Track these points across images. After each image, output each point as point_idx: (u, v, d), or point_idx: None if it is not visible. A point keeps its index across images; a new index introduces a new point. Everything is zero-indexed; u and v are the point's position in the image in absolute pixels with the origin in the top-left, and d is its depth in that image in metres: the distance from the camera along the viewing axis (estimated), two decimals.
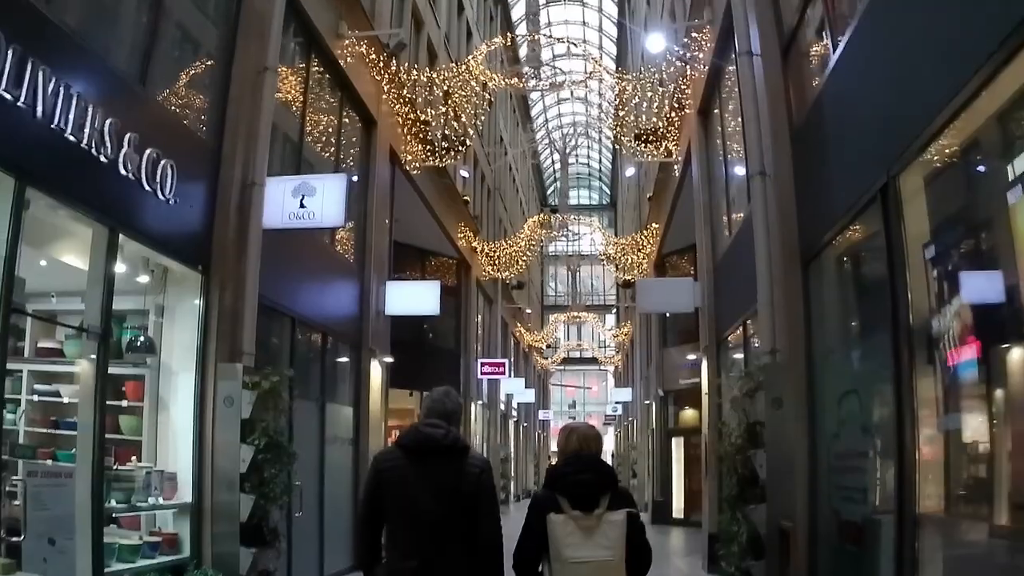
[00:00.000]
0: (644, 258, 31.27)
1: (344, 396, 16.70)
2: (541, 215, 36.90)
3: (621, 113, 21.78)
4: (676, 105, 19.50)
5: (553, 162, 75.13)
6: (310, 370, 15.11)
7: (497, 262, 32.34)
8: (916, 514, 6.69)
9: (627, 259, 32.29)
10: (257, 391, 10.22)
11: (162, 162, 9.28)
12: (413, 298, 18.71)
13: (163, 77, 10.44)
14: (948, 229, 6.65)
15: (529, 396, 45.17)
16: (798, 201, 10.35)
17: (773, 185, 10.60)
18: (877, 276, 7.98)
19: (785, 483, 9.29)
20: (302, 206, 11.46)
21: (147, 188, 9.07)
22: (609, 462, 5.83)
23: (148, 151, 8.98)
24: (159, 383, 10.29)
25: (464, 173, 25.56)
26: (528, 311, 52.94)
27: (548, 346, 59.91)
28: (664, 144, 21.04)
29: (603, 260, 71.79)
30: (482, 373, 31.74)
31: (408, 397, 27.11)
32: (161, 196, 9.35)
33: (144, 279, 10.22)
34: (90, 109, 7.93)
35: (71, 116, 7.66)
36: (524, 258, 33.53)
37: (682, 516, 28.35)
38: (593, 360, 68.77)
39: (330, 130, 16.27)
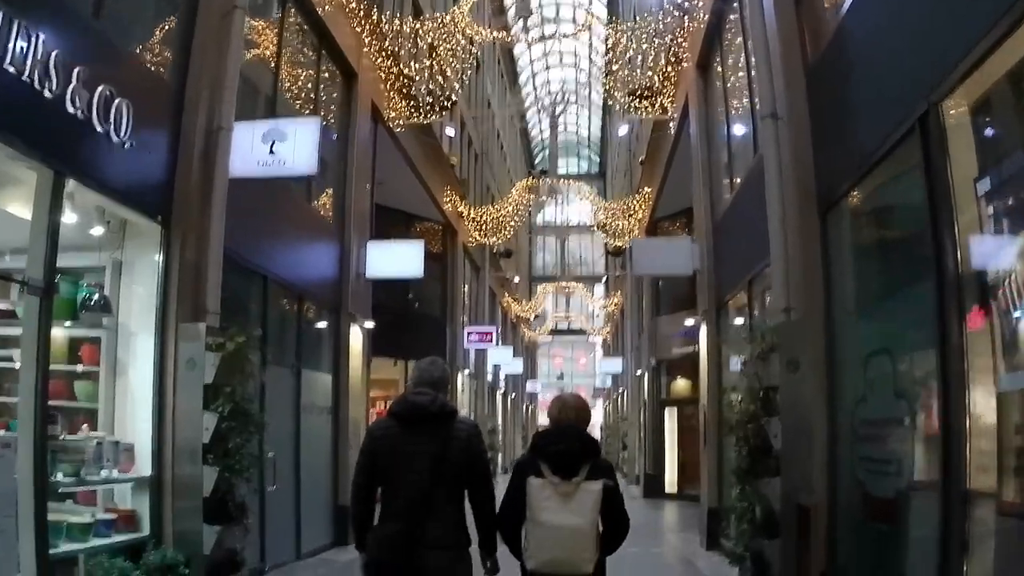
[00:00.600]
0: (635, 224, 30.44)
1: (322, 363, 15.83)
2: (529, 179, 35.92)
3: (614, 67, 20.84)
4: (672, 59, 18.59)
5: (541, 129, 74.13)
6: (285, 334, 14.23)
7: (484, 227, 31.42)
8: (966, 489, 5.81)
9: (617, 225, 31.43)
10: (221, 353, 9.31)
11: (116, 101, 8.32)
12: (396, 260, 17.76)
13: (120, 11, 9.52)
14: (1005, 159, 5.72)
15: (517, 367, 44.35)
16: (815, 145, 9.44)
17: (786, 128, 9.68)
18: (913, 220, 7.14)
19: (802, 454, 8.43)
20: (272, 152, 10.55)
21: (99, 129, 8.11)
22: (597, 434, 6.00)
23: (100, 88, 8.02)
24: (117, 345, 9.42)
25: (450, 132, 24.55)
26: (516, 279, 52.10)
27: (536, 317, 59.22)
28: (659, 101, 20.17)
29: (592, 229, 71.10)
30: (469, 342, 30.88)
31: (392, 367, 26.30)
32: (115, 138, 8.40)
33: (99, 231, 9.24)
34: (33, 39, 7.01)
35: (11, 45, 6.76)
36: (512, 223, 32.58)
37: (675, 490, 27.58)
38: (581, 332, 68.39)
39: (308, 84, 15.33)
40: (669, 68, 18.80)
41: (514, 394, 51.43)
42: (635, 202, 29.39)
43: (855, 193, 8.58)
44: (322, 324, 16.13)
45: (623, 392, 43.99)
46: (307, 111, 15.10)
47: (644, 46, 19.22)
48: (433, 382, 5.40)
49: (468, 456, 5.21)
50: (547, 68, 67.08)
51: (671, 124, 20.84)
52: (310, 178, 14.32)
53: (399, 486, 5.14)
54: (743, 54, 13.90)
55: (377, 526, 5.21)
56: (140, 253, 9.66)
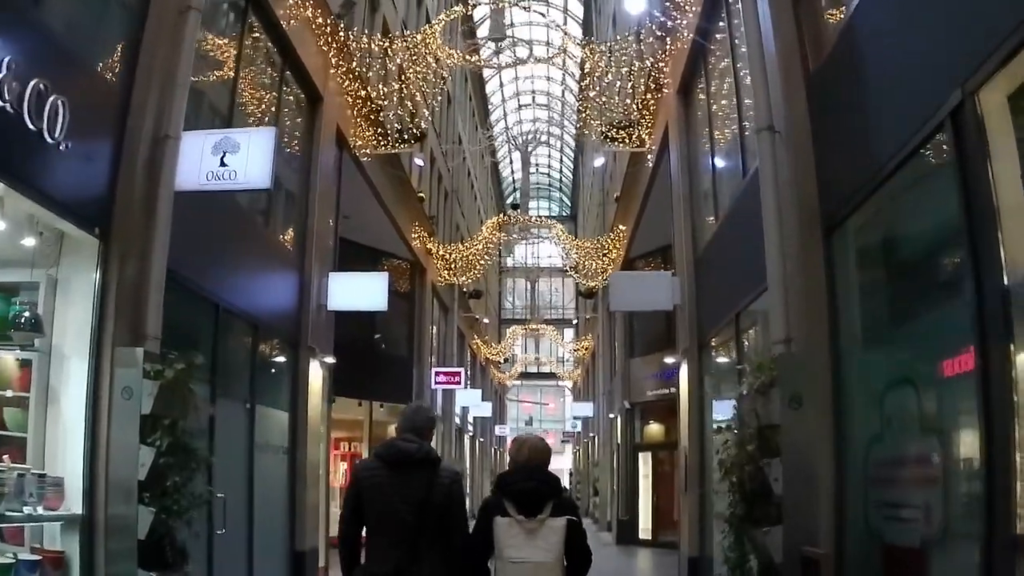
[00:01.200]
0: (609, 264, 29.74)
1: (278, 399, 14.81)
2: (500, 216, 35.11)
3: (591, 93, 20.13)
4: (652, 85, 17.89)
5: (513, 169, 73.40)
6: (238, 367, 13.23)
7: (453, 266, 30.58)
8: (1014, 535, 4.93)
9: (590, 265, 30.69)
10: (160, 381, 8.38)
11: (52, 97, 7.38)
12: (359, 292, 16.83)
13: (63, 4, 8.77)
14: None
15: (486, 410, 43.34)
16: (817, 159, 8.62)
17: (784, 142, 8.90)
18: (940, 231, 6.34)
19: (807, 500, 7.56)
20: (223, 164, 9.61)
21: (31, 127, 7.17)
22: (566, 480, 6.08)
23: (34, 82, 7.10)
24: (49, 370, 8.45)
25: (419, 162, 23.63)
26: (485, 320, 51.17)
27: (505, 360, 58.32)
28: (636, 132, 19.49)
29: (563, 271, 70.45)
30: (436, 383, 29.88)
31: (357, 407, 25.38)
32: (50, 139, 7.45)
33: (30, 242, 8.37)
34: None
35: None
36: (482, 262, 31.75)
37: (650, 537, 26.61)
38: (552, 375, 67.45)
39: (270, 106, 14.52)
40: (648, 96, 18.11)
41: (483, 439, 50.41)
42: (609, 241, 28.64)
43: (864, 208, 7.75)
44: (279, 358, 15.19)
45: (594, 437, 43.15)
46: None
47: (624, 70, 18.48)
48: (417, 429, 5.74)
49: (449, 500, 5.51)
50: (519, 107, 66.59)
51: (649, 157, 20.13)
52: (268, 198, 13.59)
53: (385, 526, 5.45)
54: (730, 75, 13.22)
55: (364, 565, 5.53)
56: (77, 270, 8.69)
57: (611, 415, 32.36)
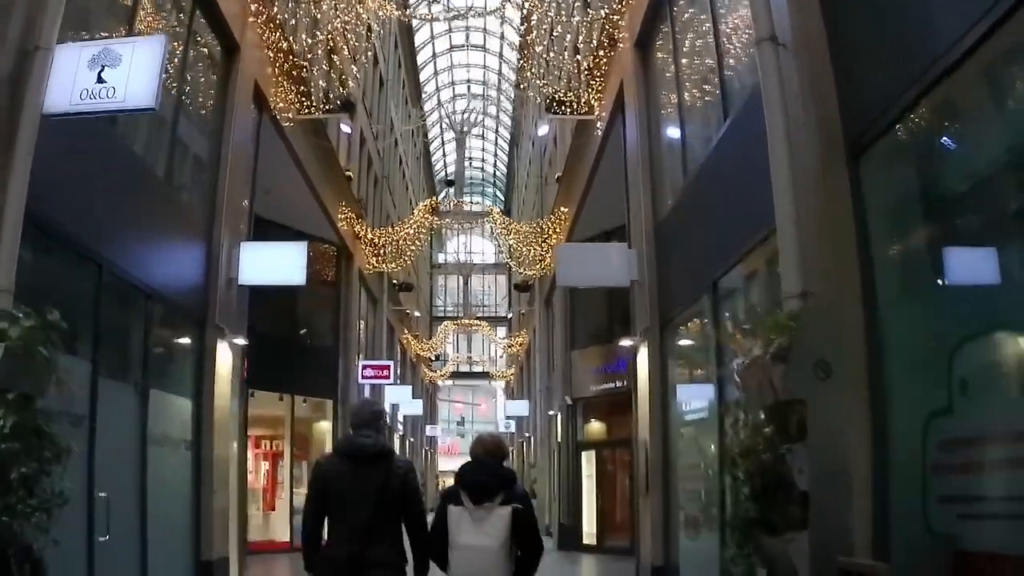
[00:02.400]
0: (548, 250, 28.05)
1: (179, 385, 12.83)
2: (433, 199, 33.25)
3: (537, 49, 18.41)
4: (604, 40, 16.20)
5: (445, 155, 71.08)
6: (126, 343, 11.27)
7: (383, 252, 28.68)
8: None
9: (527, 252, 28.97)
10: (4, 343, 6.44)
11: None
12: (274, 264, 14.86)
13: None
14: None
15: (417, 408, 41.46)
16: (836, 70, 6.88)
17: (793, 55, 7.19)
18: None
19: (843, 495, 5.85)
20: (100, 80, 7.68)
21: None
22: None
23: None
24: None
25: (346, 128, 21.45)
26: (416, 314, 49.11)
27: (437, 358, 56.52)
28: (586, 97, 17.81)
29: (497, 267, 68.80)
30: (364, 377, 27.90)
31: (278, 401, 23.45)
32: None
33: None
34: None
35: None
36: (413, 247, 29.87)
37: (595, 542, 24.81)
38: (484, 375, 65.77)
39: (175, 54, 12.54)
40: (600, 53, 16.40)
41: (413, 438, 48.49)
42: (549, 224, 26.92)
43: (903, 125, 6.05)
44: (182, 338, 13.27)
45: (530, 437, 41.43)
46: (173, 89, 12.38)
47: (574, 19, 16.75)
48: (367, 422, 6.19)
49: (404, 488, 6.01)
50: (454, 96, 64.33)
51: (598, 125, 18.44)
52: (171, 149, 11.65)
53: (345, 514, 5.88)
54: (699, 17, 11.56)
55: (324, 549, 5.97)
56: None
57: (550, 412, 30.59)
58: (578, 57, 17.57)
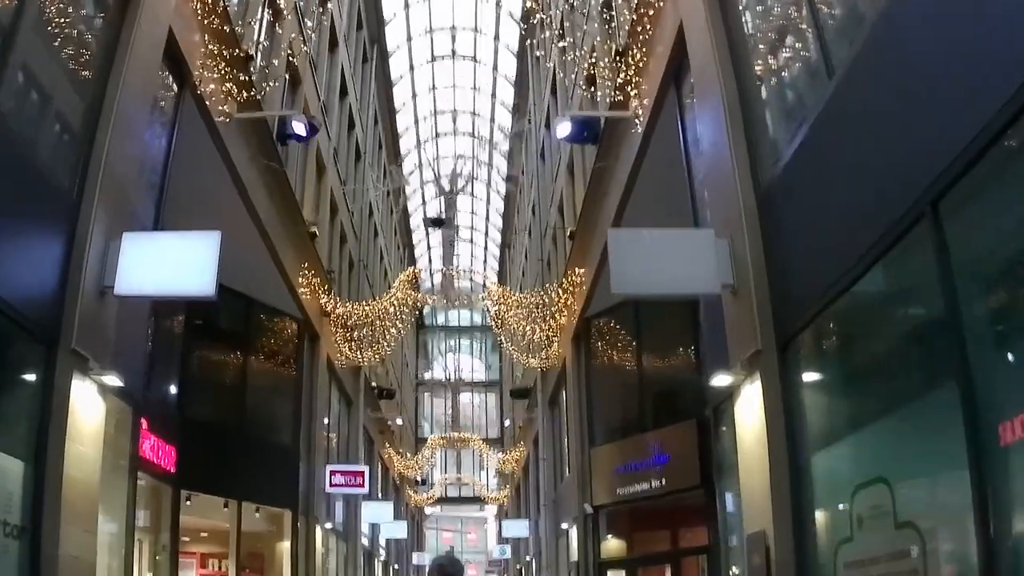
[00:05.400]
0: (556, 332, 23.25)
1: (6, 437, 7.80)
2: (413, 268, 28.39)
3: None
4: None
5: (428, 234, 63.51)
6: None
7: (356, 336, 23.75)
8: None
9: (529, 332, 24.10)
10: None
11: None
12: (170, 265, 9.40)
13: None
14: None
15: (400, 530, 36.23)
16: None
17: None
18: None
19: None
20: None
21: None
22: None
23: None
24: None
25: (299, 128, 16.18)
26: (399, 421, 43.53)
27: (423, 481, 51.16)
28: (623, 74, 13.35)
29: (486, 387, 64.46)
30: (332, 484, 22.72)
31: (222, 509, 18.17)
32: None
33: None
34: None
35: None
36: (393, 331, 24.80)
37: None
38: (475, 500, 60.62)
39: None
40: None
41: (397, 565, 42.96)
42: (559, 293, 22.07)
43: None
44: (18, 369, 8.30)
45: (531, 561, 35.82)
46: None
47: None
48: None
49: None
50: (436, 135, 55.91)
51: (637, 121, 13.76)
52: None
53: None
54: None
55: None
56: None
57: (563, 526, 25.21)
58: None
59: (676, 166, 12.42)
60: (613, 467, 19.92)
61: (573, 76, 14.34)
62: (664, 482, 17.43)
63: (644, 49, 13.22)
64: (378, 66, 36.30)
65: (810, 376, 8.23)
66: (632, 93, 13.67)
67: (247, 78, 13.58)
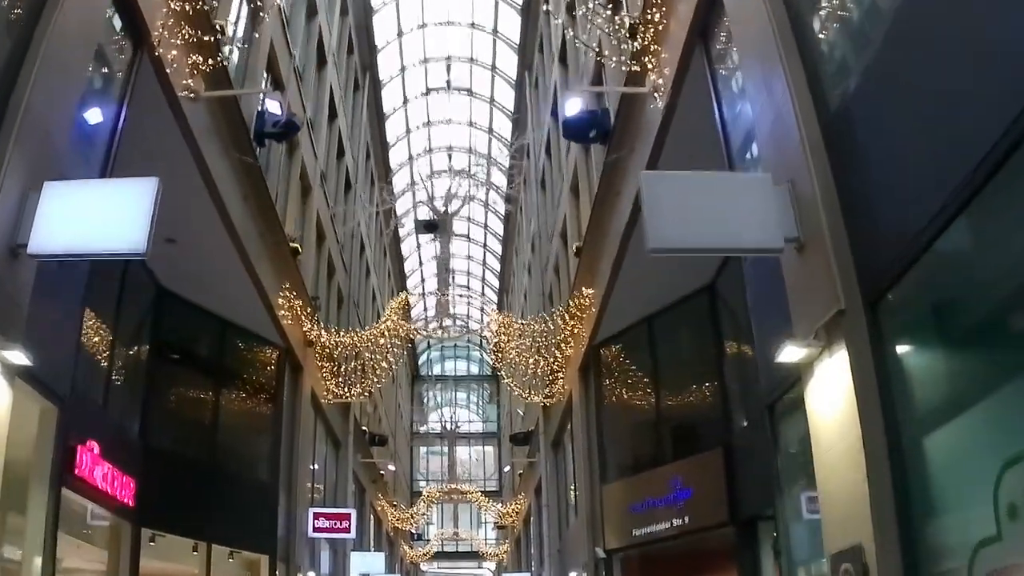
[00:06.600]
0: (561, 364, 21.54)
1: None
2: (404, 294, 26.70)
3: None
4: None
5: (422, 269, 61.15)
6: None
7: (342, 368, 22.04)
8: None
9: (532, 364, 22.35)
10: None
11: None
12: (96, 217, 7.59)
13: None
14: None
15: None
16: None
17: None
18: None
19: None
20: None
21: None
22: None
23: None
24: None
25: (275, 107, 14.57)
26: (392, 468, 41.49)
27: (418, 536, 49.32)
28: (643, 38, 11.82)
29: (483, 439, 62.96)
30: (315, 529, 20.86)
31: (191, 554, 16.35)
32: None
33: None
34: None
35: None
36: (385, 364, 23.01)
37: None
38: (473, 555, 59.33)
39: None
40: None
41: None
42: (565, 318, 20.32)
43: None
44: None
45: None
46: None
47: None
48: None
49: None
50: (429, 149, 53.37)
51: (656, 97, 12.11)
52: None
53: None
54: None
55: None
56: None
57: (572, 573, 23.36)
58: None
59: (706, 139, 10.74)
60: (627, 506, 18.08)
61: (583, 48, 12.79)
62: (687, 520, 15.73)
63: (664, 9, 11.64)
64: (370, 95, 34.87)
65: (911, 337, 6.43)
66: (650, 66, 12.05)
67: (219, 61, 11.97)
